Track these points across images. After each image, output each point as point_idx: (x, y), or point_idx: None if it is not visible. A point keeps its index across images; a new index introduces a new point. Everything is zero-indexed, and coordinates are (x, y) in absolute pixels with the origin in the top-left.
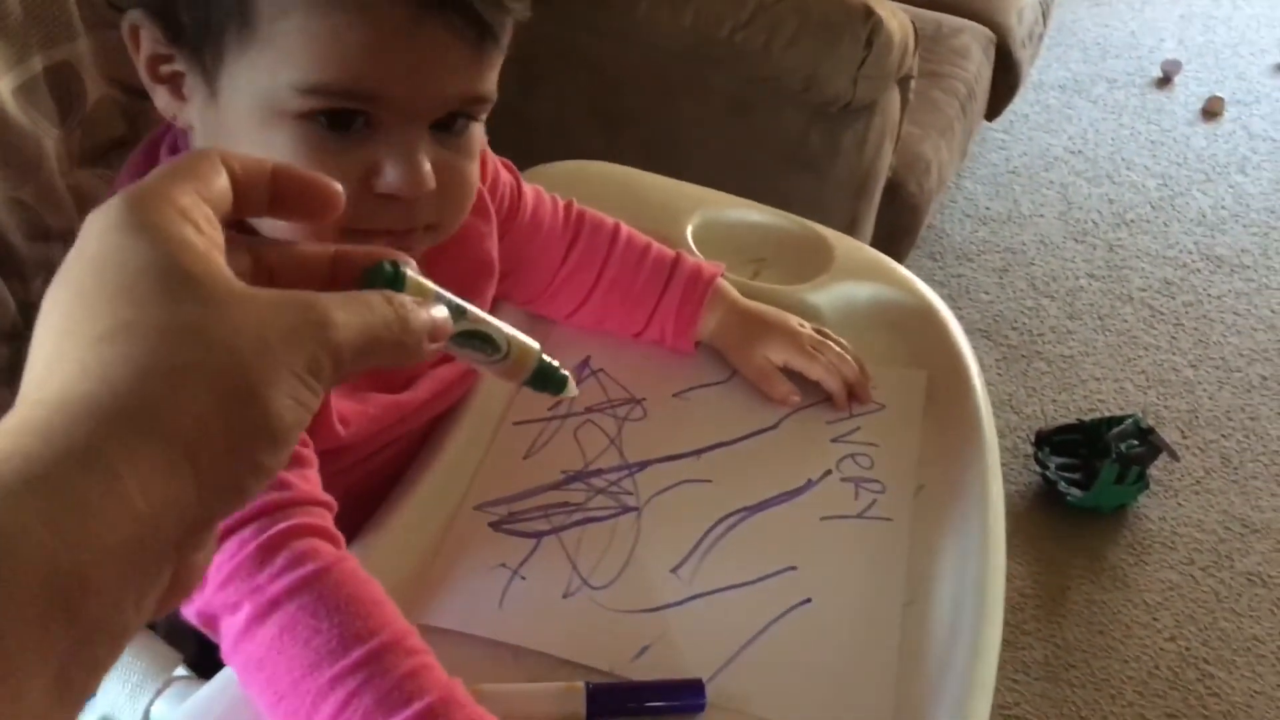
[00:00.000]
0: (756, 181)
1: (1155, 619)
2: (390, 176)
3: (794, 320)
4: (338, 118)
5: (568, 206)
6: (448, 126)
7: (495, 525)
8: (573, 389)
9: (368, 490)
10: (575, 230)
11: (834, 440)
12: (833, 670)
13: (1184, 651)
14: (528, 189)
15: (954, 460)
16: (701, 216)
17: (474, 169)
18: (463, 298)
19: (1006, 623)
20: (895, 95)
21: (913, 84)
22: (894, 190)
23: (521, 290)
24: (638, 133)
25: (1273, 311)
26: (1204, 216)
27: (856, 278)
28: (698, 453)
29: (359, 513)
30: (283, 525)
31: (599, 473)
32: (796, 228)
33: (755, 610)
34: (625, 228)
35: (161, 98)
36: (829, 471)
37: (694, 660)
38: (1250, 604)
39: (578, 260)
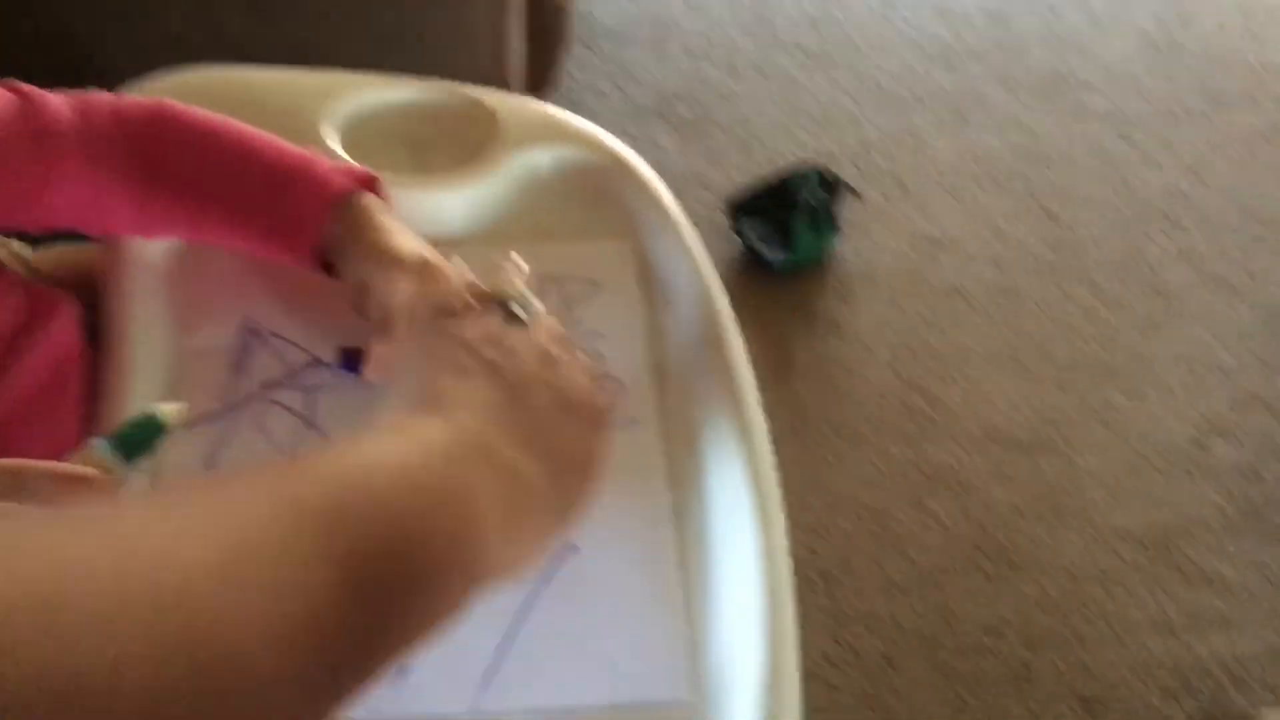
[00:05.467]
0: (391, 28)
1: (873, 354)
2: None
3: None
4: None
5: (139, 111)
6: None
7: None
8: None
9: None
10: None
11: None
12: (618, 626)
13: (905, 378)
14: (53, 98)
15: (687, 330)
16: (340, 112)
17: None
18: None
19: None
20: None
21: None
22: None
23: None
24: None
25: (908, 25)
26: None
27: (530, 142)
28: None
29: None
30: None
31: None
32: (448, 97)
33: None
34: (225, 126)
35: None
36: None
37: (461, 661)
38: (952, 317)
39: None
